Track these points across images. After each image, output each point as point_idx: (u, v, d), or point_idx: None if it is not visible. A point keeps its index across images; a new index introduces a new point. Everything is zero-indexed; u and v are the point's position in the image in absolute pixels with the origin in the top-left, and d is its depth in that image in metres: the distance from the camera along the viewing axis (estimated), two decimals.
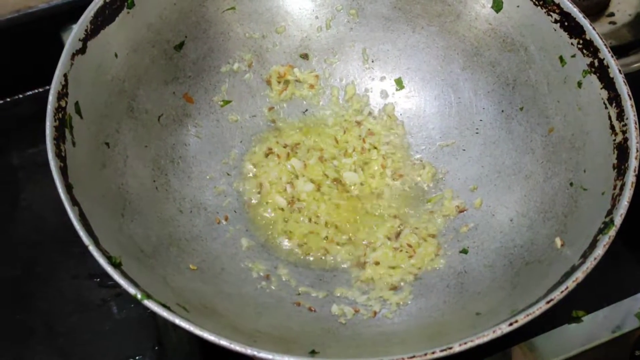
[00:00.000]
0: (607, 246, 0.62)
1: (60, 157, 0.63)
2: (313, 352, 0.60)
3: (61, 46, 0.69)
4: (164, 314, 0.57)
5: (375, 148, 0.86)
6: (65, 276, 0.88)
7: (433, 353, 0.55)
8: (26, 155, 0.99)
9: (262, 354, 0.55)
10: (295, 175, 0.83)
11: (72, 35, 0.69)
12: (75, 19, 0.71)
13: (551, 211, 0.73)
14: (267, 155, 0.84)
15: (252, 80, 0.87)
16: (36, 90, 1.05)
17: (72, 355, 0.82)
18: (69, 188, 0.62)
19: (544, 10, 0.77)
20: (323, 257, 0.78)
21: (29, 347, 0.83)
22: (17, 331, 0.84)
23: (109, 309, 0.86)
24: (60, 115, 0.65)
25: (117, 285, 0.85)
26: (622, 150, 0.68)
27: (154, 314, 0.83)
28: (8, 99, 1.04)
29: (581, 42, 0.74)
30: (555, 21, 0.76)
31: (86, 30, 0.71)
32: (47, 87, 0.66)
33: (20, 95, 1.05)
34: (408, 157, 0.86)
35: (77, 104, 0.68)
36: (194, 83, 0.84)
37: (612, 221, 0.63)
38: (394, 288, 0.74)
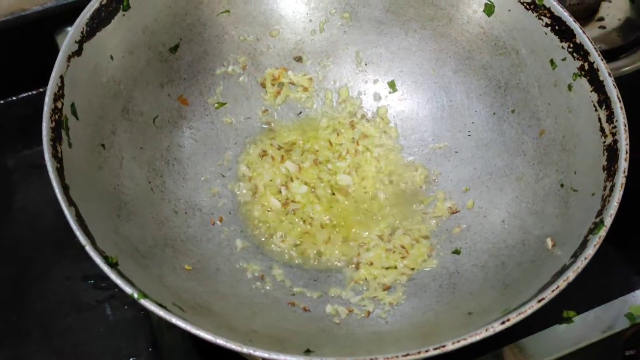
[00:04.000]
0: (597, 246, 0.62)
1: (57, 158, 0.64)
2: (308, 351, 0.60)
3: (55, 49, 0.69)
4: (161, 313, 0.57)
5: (368, 150, 0.87)
6: (60, 277, 0.88)
7: (427, 351, 0.56)
8: (21, 157, 0.99)
9: (257, 353, 0.55)
10: (289, 177, 0.84)
11: (68, 37, 0.69)
12: (69, 22, 0.71)
13: (542, 212, 0.73)
14: (261, 157, 0.85)
15: (247, 83, 0.88)
16: (30, 93, 1.04)
17: (67, 356, 0.82)
18: (65, 189, 0.62)
19: (535, 14, 0.77)
20: (317, 258, 0.79)
21: (24, 348, 0.83)
22: (12, 332, 0.84)
23: (103, 311, 0.86)
24: (56, 116, 0.65)
25: (111, 286, 0.86)
26: (612, 152, 0.68)
27: (148, 316, 0.84)
28: (2, 101, 1.04)
29: (571, 45, 0.75)
30: (546, 25, 0.77)
31: (82, 32, 0.71)
32: (41, 90, 0.67)
33: (14, 98, 1.05)
34: (401, 159, 0.87)
35: (73, 105, 0.68)
36: (189, 85, 0.84)
37: (602, 221, 0.64)
38: (388, 288, 0.75)
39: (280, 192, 0.82)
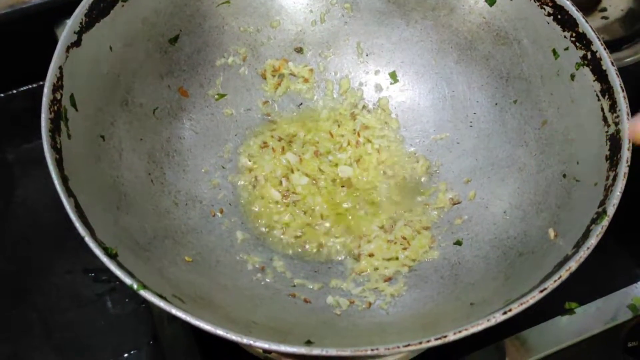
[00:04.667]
0: (599, 236, 0.62)
1: (56, 149, 0.63)
2: (309, 342, 0.60)
3: (55, 42, 0.68)
4: (161, 304, 0.57)
5: (369, 141, 0.86)
6: (60, 271, 0.88)
7: (428, 342, 0.55)
8: (20, 151, 0.99)
9: (258, 344, 0.55)
10: (290, 169, 0.84)
11: (67, 28, 0.69)
12: (68, 15, 0.71)
13: (544, 203, 0.73)
14: (262, 149, 0.84)
15: (247, 74, 0.87)
16: (30, 86, 1.05)
17: (67, 350, 0.82)
18: (64, 180, 0.62)
19: (537, 3, 0.77)
20: (318, 250, 0.78)
21: (24, 343, 0.83)
22: (13, 327, 0.84)
23: (104, 304, 0.86)
24: (55, 107, 0.65)
25: (112, 279, 0.87)
26: (615, 142, 0.68)
27: (149, 308, 0.83)
28: (2, 95, 1.04)
29: (574, 34, 0.74)
30: (549, 14, 0.76)
31: (81, 23, 0.70)
32: (41, 83, 0.66)
33: (14, 91, 1.05)
34: (402, 150, 0.86)
35: (72, 96, 0.68)
36: (189, 77, 0.84)
37: (604, 211, 0.63)
38: (389, 279, 0.75)
39: (281, 183, 0.82)
